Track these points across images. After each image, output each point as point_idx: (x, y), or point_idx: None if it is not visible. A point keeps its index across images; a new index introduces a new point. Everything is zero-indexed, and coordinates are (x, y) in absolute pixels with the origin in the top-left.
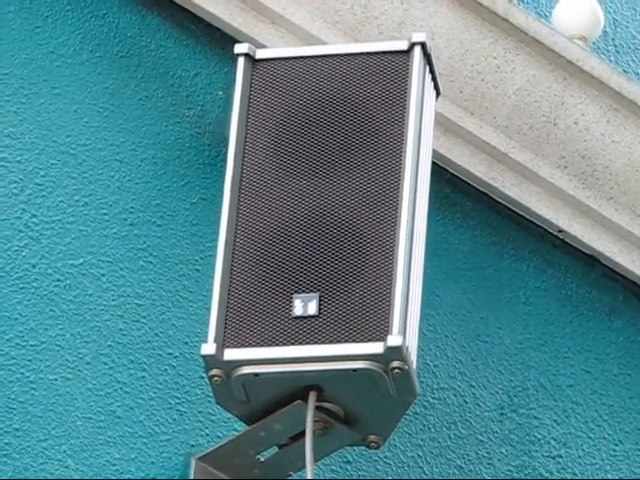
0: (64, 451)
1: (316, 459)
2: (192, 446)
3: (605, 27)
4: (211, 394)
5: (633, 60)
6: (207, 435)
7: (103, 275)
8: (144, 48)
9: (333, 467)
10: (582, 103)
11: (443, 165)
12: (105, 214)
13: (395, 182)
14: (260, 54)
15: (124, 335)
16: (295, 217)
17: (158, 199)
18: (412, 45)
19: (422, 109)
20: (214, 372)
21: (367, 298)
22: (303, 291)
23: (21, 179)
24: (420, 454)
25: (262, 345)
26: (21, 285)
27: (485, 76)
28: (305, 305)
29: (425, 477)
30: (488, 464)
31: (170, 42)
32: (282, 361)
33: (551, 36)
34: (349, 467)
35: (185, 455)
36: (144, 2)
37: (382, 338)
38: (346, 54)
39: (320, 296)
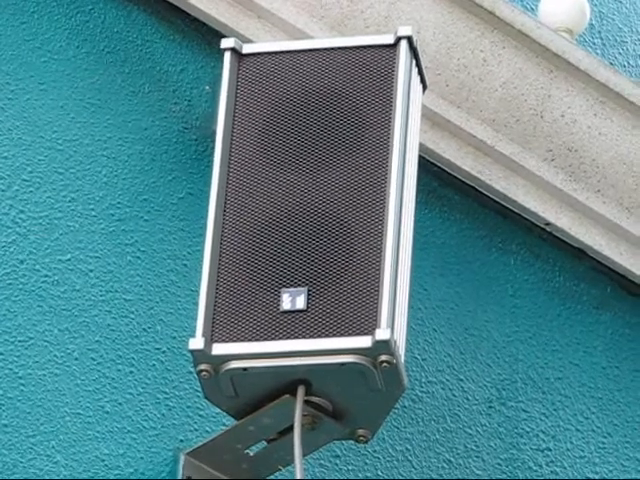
0: (53, 447)
1: (305, 453)
2: (181, 441)
3: (591, 20)
4: (200, 389)
5: (619, 52)
6: (196, 430)
7: (91, 271)
8: (130, 43)
9: (322, 461)
10: (569, 96)
11: (430, 159)
12: (92, 209)
13: (382, 176)
14: (247, 49)
15: (112, 330)
16: (283, 211)
17: (145, 194)
18: (398, 39)
19: (409, 103)
20: (202, 367)
21: (355, 292)
22: (291, 285)
23: (8, 175)
24: (409, 448)
25: (250, 340)
26: (9, 281)
27: (471, 69)
28: (293, 299)
29: (414, 471)
30: (477, 457)
31: (156, 37)
32: (270, 356)
33: (537, 29)
34: (338, 461)
35: (174, 450)
36: None
37: (370, 332)
38: (332, 48)
39: (308, 290)
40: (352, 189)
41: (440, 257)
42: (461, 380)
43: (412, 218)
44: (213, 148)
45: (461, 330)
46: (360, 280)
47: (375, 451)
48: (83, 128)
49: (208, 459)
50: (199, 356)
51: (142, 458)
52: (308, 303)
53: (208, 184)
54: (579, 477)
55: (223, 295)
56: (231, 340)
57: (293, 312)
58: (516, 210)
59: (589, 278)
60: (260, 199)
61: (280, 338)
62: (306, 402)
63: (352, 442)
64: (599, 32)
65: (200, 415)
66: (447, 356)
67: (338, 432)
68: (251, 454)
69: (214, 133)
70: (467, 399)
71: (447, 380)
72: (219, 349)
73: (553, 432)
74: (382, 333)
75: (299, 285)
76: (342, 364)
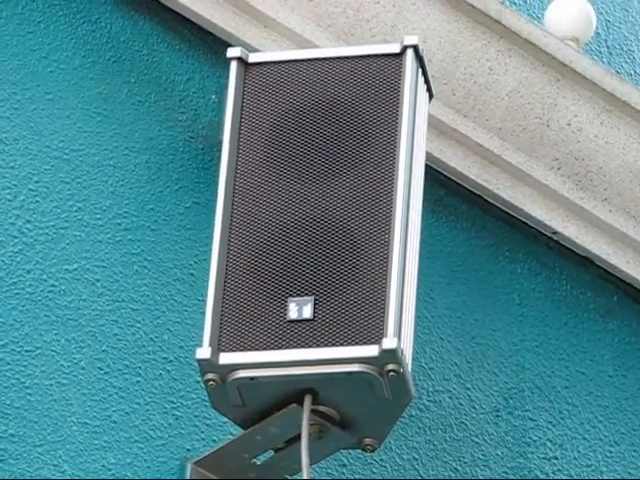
0: (60, 456)
1: (312, 462)
2: (188, 450)
3: (597, 28)
4: (207, 398)
5: (626, 61)
6: (203, 439)
7: (97, 280)
8: (137, 53)
9: (329, 470)
10: (575, 104)
11: (437, 167)
12: (99, 219)
13: (389, 185)
14: (253, 58)
15: (119, 340)
16: (289, 221)
17: (152, 204)
18: (404, 48)
19: (415, 112)
20: (209, 376)
21: (362, 301)
22: (298, 294)
23: (15, 185)
24: (416, 456)
25: (257, 349)
26: (16, 291)
27: (478, 78)
28: (300, 309)
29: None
30: (484, 466)
31: (163, 46)
32: (277, 365)
33: (544, 38)
34: (345, 470)
35: (181, 459)
36: (137, 7)
37: (377, 341)
38: (339, 57)
39: (315, 299)
40: (358, 198)
41: (447, 266)
42: (468, 389)
43: (419, 227)
44: (219, 157)
45: (468, 339)
46: (367, 289)
47: (382, 460)
48: (89, 138)
49: (215, 468)
50: (206, 365)
51: (149, 467)
52: (315, 312)
53: (214, 193)
54: None
55: (230, 304)
56: (238, 349)
57: (300, 321)
58: (523, 219)
59: (596, 287)
60: (266, 208)
61: (287, 347)
62: (313, 411)
63: (359, 451)
64: (605, 41)
65: (207, 424)
66: (454, 365)
67: (345, 441)
68: (258, 463)
69: (220, 142)
70: (474, 408)
71: (454, 389)
72: (226, 358)
73: (560, 441)
74: (389, 342)
75: (306, 294)
76: (349, 373)
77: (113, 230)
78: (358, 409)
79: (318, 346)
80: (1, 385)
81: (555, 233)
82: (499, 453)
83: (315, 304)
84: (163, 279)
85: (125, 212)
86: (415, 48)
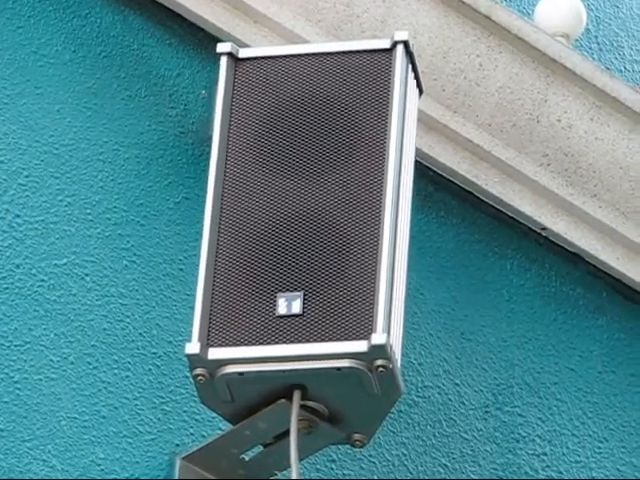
0: (49, 451)
1: (301, 458)
2: (177, 445)
3: (588, 25)
4: (196, 393)
5: (616, 57)
6: (192, 434)
7: (87, 275)
8: (127, 48)
9: (318, 466)
10: (565, 100)
11: (426, 163)
12: (89, 214)
13: (378, 181)
14: (243, 53)
15: (108, 335)
16: (278, 216)
17: (141, 199)
18: (394, 43)
19: (405, 107)
20: (198, 371)
21: (351, 296)
22: (287, 290)
23: (4, 179)
24: (405, 452)
25: (246, 344)
26: (5, 285)
27: (468, 74)
28: (289, 304)
29: (410, 475)
30: (473, 462)
31: (153, 41)
32: (266, 360)
33: (534, 34)
34: (334, 466)
35: (170, 455)
36: (126, 2)
37: (366, 336)
38: (329, 53)
39: (304, 295)
40: (348, 194)
41: (436, 261)
42: (457, 385)
43: (408, 223)
44: (209, 153)
45: (457, 334)
46: (356, 284)
47: (371, 455)
48: (79, 132)
49: (204, 464)
50: (195, 360)
51: (138, 462)
52: (304, 308)
53: (204, 189)
54: None
55: (219, 299)
56: (227, 344)
57: (289, 317)
58: (512, 215)
59: (585, 283)
60: (256, 204)
61: (276, 342)
62: (302, 406)
63: (348, 447)
64: (596, 37)
65: (196, 419)
66: (443, 361)
67: (334, 436)
68: (247, 459)
69: (210, 138)
70: (463, 404)
71: (443, 385)
72: (215, 353)
73: (549, 437)
74: (378, 337)
75: (295, 289)
76: (338, 369)
77: (102, 225)
78: (347, 405)
79: (307, 341)
80: None
81: (544, 229)
82: (488, 449)
83: (304, 299)
84: (152, 274)
85: (114, 207)
86: (405, 44)
